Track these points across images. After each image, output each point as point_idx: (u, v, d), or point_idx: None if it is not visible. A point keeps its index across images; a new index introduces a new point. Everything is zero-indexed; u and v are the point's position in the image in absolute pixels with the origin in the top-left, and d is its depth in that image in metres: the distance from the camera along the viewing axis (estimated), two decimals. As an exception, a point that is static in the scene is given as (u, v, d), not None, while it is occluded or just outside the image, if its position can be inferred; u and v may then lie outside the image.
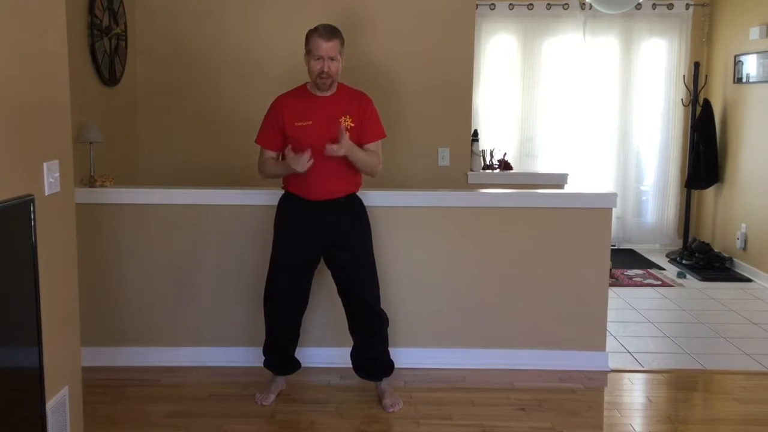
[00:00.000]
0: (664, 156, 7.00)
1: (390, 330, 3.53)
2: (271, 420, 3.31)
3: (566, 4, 6.70)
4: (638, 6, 6.47)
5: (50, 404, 2.48)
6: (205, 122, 4.94)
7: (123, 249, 3.87)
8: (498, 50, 6.82)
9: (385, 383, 3.50)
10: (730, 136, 6.43)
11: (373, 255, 3.44)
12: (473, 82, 5.09)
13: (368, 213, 3.48)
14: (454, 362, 3.87)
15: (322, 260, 3.45)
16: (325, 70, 3.20)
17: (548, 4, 6.71)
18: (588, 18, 6.75)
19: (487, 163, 5.53)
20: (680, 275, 6.07)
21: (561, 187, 5.12)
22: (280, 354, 3.53)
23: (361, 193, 3.47)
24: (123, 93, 4.64)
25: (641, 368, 4.03)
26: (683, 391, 3.79)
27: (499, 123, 6.86)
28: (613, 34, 6.84)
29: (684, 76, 6.79)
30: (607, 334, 4.02)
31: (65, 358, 2.65)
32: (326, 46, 3.19)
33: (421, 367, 3.85)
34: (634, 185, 7.11)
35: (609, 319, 3.98)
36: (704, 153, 6.49)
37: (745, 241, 6.14)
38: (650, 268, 6.34)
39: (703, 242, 6.47)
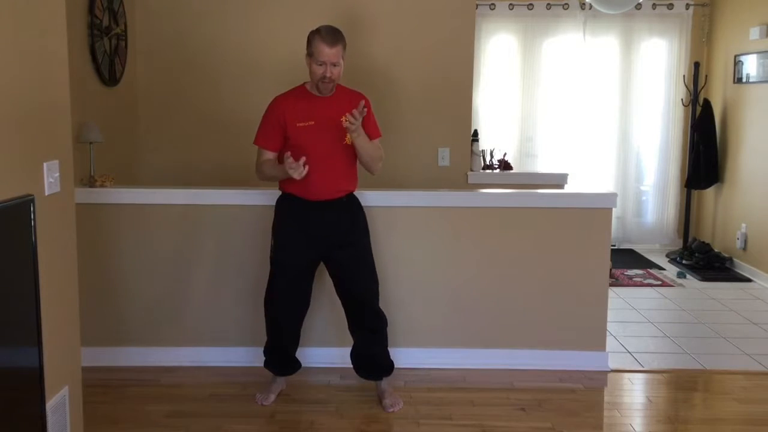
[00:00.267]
0: (664, 156, 7.00)
1: (390, 330, 3.53)
2: (271, 420, 3.31)
3: (566, 4, 6.71)
4: (638, 6, 6.47)
5: (50, 404, 2.48)
6: (205, 122, 4.94)
7: (123, 249, 3.87)
8: (498, 50, 6.82)
9: (385, 383, 3.50)
10: (730, 136, 6.43)
11: (371, 254, 3.44)
12: (473, 82, 5.09)
13: (367, 213, 3.49)
14: (454, 362, 3.87)
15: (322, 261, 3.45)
16: (328, 75, 3.20)
17: (548, 4, 6.71)
18: (588, 18, 6.75)
19: (487, 163, 5.53)
20: (680, 275, 6.07)
21: (561, 187, 5.12)
22: (281, 354, 3.53)
23: (359, 193, 3.47)
24: (123, 93, 4.64)
25: (641, 368, 4.03)
26: (683, 391, 3.79)
27: (499, 123, 6.86)
28: (613, 34, 6.84)
29: (684, 76, 6.79)
30: (607, 334, 4.02)
31: (65, 358, 2.65)
32: (329, 52, 3.17)
33: (421, 367, 3.85)
34: (634, 185, 7.11)
35: (609, 319, 3.98)
36: (704, 153, 6.49)
37: (745, 241, 6.14)
38: (650, 268, 6.34)
39: (703, 242, 6.47)
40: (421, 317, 3.88)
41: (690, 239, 6.72)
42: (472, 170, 5.14)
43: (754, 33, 5.94)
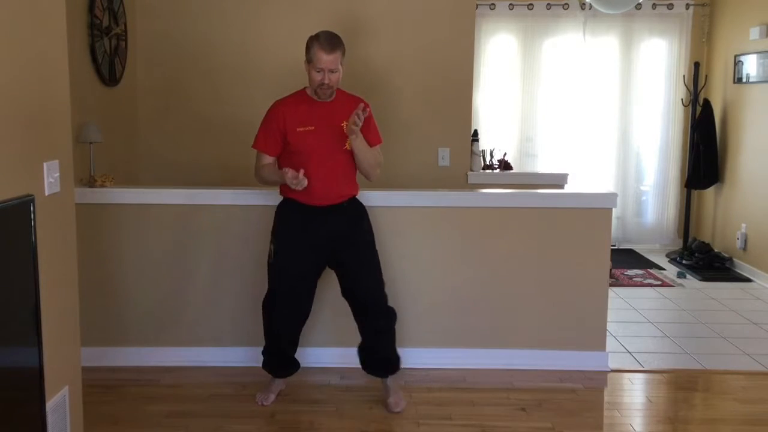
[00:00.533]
0: (664, 156, 7.00)
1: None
2: (271, 420, 3.31)
3: (566, 4, 6.70)
4: (638, 6, 6.46)
5: (50, 404, 2.48)
6: (204, 122, 4.94)
7: (123, 249, 3.87)
8: (498, 50, 6.82)
9: (390, 380, 3.49)
10: (730, 136, 6.43)
11: (376, 255, 3.44)
12: (473, 82, 5.09)
13: (369, 213, 3.49)
14: (454, 362, 3.87)
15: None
16: (326, 81, 3.20)
17: (548, 4, 6.71)
18: (588, 18, 6.75)
19: (487, 163, 5.53)
20: (680, 275, 6.07)
21: (561, 187, 5.12)
22: (279, 357, 3.52)
23: (360, 193, 3.47)
24: (123, 93, 4.64)
25: (641, 368, 4.03)
26: (683, 391, 3.79)
27: (499, 123, 6.86)
28: (613, 34, 6.84)
29: (684, 76, 6.79)
30: (607, 334, 4.02)
31: (65, 358, 2.65)
32: (327, 59, 3.16)
33: (421, 367, 3.85)
34: (634, 185, 7.11)
35: (609, 319, 3.98)
36: (704, 153, 6.49)
37: (745, 241, 6.14)
38: (650, 268, 6.34)
39: (703, 242, 6.47)
40: (421, 317, 3.88)
41: (690, 239, 6.72)
42: (472, 170, 5.14)
43: (754, 33, 5.94)
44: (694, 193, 6.91)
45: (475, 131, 5.31)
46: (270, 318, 3.44)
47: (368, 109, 3.19)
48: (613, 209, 3.94)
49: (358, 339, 3.63)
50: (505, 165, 5.52)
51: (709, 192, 6.76)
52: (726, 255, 6.36)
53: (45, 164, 2.46)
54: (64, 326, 2.65)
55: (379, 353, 3.48)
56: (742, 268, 6.13)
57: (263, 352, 3.53)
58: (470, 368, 3.87)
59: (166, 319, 3.92)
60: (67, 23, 2.61)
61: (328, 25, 4.79)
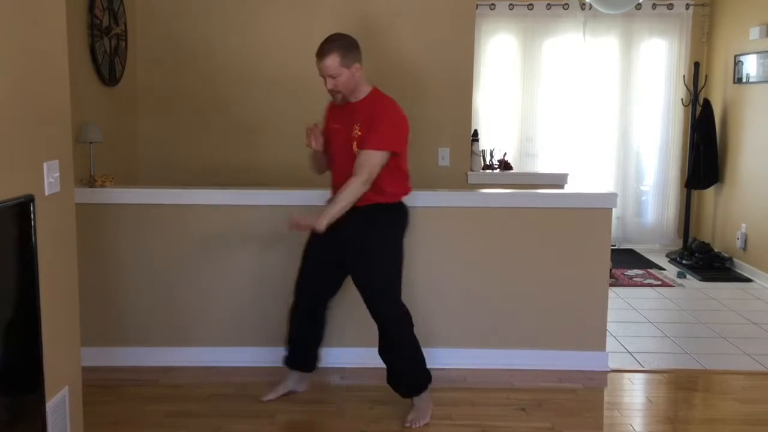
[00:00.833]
0: (664, 156, 7.00)
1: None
2: (271, 420, 3.31)
3: (566, 4, 6.70)
4: (638, 6, 6.47)
5: (50, 404, 2.48)
6: (204, 122, 4.94)
7: (123, 249, 3.87)
8: (498, 50, 6.83)
9: (416, 399, 3.35)
10: (730, 136, 6.43)
11: (383, 265, 3.29)
12: (473, 82, 5.08)
13: None
14: (454, 362, 3.87)
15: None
16: (329, 87, 3.22)
17: (548, 4, 6.71)
18: (588, 18, 6.75)
19: (487, 163, 5.53)
20: (680, 275, 6.07)
21: (561, 187, 5.12)
22: (292, 343, 3.51)
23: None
24: (123, 93, 4.64)
25: (641, 368, 4.03)
26: (683, 391, 3.79)
27: (499, 123, 6.86)
28: (613, 34, 6.84)
29: (684, 76, 6.79)
30: (607, 334, 4.02)
31: (65, 358, 2.65)
32: (321, 66, 3.19)
33: (421, 367, 3.85)
34: (634, 185, 7.11)
35: (609, 319, 3.98)
36: (704, 153, 6.49)
37: (745, 241, 6.14)
38: (650, 268, 6.34)
39: (703, 242, 6.47)
40: (421, 317, 3.87)
41: (690, 239, 6.72)
42: (472, 170, 5.14)
43: (754, 33, 5.94)
44: (694, 193, 6.91)
45: (475, 131, 5.31)
46: (292, 306, 3.49)
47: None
48: (613, 209, 3.94)
49: (360, 339, 3.64)
50: (505, 165, 5.52)
51: (709, 192, 6.76)
52: (726, 255, 6.36)
53: (45, 164, 2.46)
54: (64, 326, 2.65)
55: (392, 366, 3.37)
56: (742, 268, 6.13)
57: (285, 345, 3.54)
58: (470, 368, 3.87)
59: (166, 319, 3.92)
60: (67, 23, 2.61)
61: (327, 25, 4.79)
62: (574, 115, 6.91)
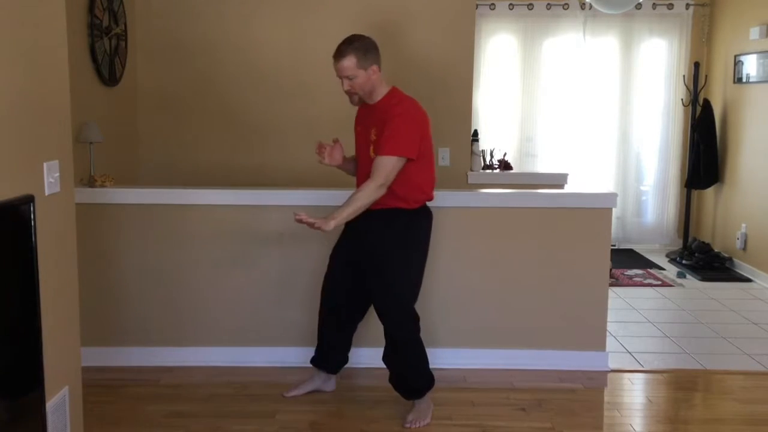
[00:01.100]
0: (664, 156, 7.00)
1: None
2: (272, 420, 3.31)
3: (566, 4, 6.70)
4: (638, 6, 6.47)
5: (50, 404, 2.48)
6: (204, 122, 4.94)
7: (123, 249, 3.87)
8: (498, 50, 6.82)
9: (416, 400, 3.35)
10: (730, 136, 6.43)
11: (396, 272, 3.24)
12: (473, 82, 5.08)
13: None
14: (454, 362, 3.87)
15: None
16: (346, 89, 3.21)
17: (548, 4, 6.71)
18: (588, 18, 6.75)
19: (487, 163, 5.53)
20: (680, 275, 6.07)
21: (561, 187, 5.12)
22: (319, 342, 3.54)
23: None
24: (123, 93, 4.64)
25: (641, 368, 4.03)
26: (683, 391, 3.79)
27: (499, 123, 6.86)
28: (613, 34, 6.84)
29: (684, 76, 6.79)
30: (607, 334, 4.02)
31: (65, 358, 2.65)
32: (338, 67, 3.17)
33: (421, 367, 3.85)
34: (634, 185, 7.11)
35: (609, 319, 3.98)
36: (704, 153, 6.49)
37: (745, 241, 6.14)
38: (650, 268, 6.34)
39: (703, 242, 6.47)
40: (421, 317, 3.87)
41: (690, 239, 6.72)
42: (472, 170, 5.15)
43: (754, 33, 5.94)
44: (694, 193, 6.91)
45: (475, 131, 5.31)
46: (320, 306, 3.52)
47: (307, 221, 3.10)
48: (613, 209, 3.94)
49: (360, 339, 3.64)
50: (505, 165, 5.52)
51: (709, 192, 6.76)
52: (726, 255, 6.36)
53: (45, 164, 2.46)
54: (64, 326, 2.65)
55: (395, 369, 3.37)
56: (742, 268, 6.13)
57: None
58: (470, 368, 3.87)
59: (166, 319, 3.92)
60: (67, 23, 2.61)
61: (327, 26, 4.82)
62: (574, 115, 6.90)
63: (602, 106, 6.92)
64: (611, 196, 3.93)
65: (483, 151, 5.47)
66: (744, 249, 6.16)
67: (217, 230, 3.88)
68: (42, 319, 2.29)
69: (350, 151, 3.49)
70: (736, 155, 6.33)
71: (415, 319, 3.32)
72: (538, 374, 3.83)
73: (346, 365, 3.62)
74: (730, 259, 6.30)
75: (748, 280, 5.92)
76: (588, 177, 6.82)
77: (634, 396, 3.73)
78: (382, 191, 3.13)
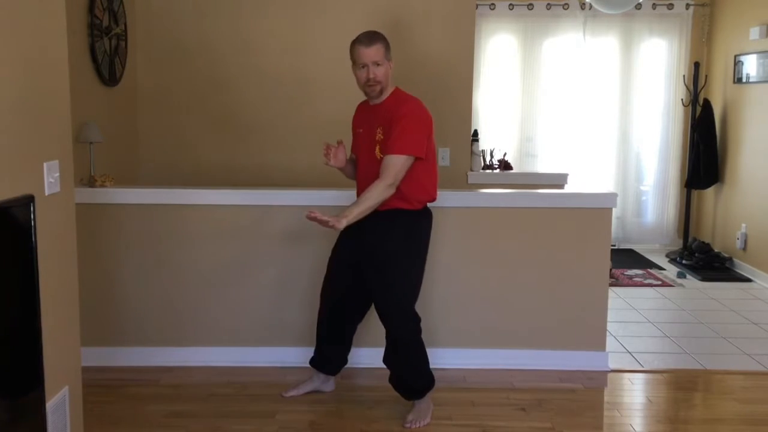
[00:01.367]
0: (664, 156, 7.00)
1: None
2: (271, 420, 3.31)
3: (566, 4, 6.71)
4: (638, 6, 6.47)
5: (50, 404, 2.48)
6: (205, 122, 4.94)
7: (123, 249, 3.87)
8: (498, 50, 6.82)
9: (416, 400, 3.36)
10: (730, 136, 6.43)
11: (395, 270, 3.22)
12: (473, 82, 5.08)
13: None
14: (454, 362, 3.87)
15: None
16: (371, 76, 3.15)
17: (548, 4, 6.71)
18: (588, 18, 6.75)
19: (487, 163, 5.53)
20: (680, 275, 6.07)
21: (561, 187, 5.12)
22: (318, 344, 3.54)
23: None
24: (123, 93, 4.64)
25: (641, 368, 4.03)
26: (683, 391, 3.79)
27: (499, 123, 6.86)
28: (613, 34, 6.84)
29: (684, 76, 6.79)
30: (607, 334, 4.02)
31: (65, 358, 2.65)
32: (367, 52, 3.13)
33: (421, 367, 3.85)
34: (634, 185, 7.11)
35: (609, 319, 3.98)
36: (704, 153, 6.49)
37: (745, 241, 6.14)
38: (650, 268, 6.34)
39: (703, 242, 6.47)
40: (421, 317, 3.88)
41: (690, 239, 6.72)
42: (472, 170, 5.15)
43: (754, 33, 5.94)
44: (694, 193, 6.91)
45: (475, 131, 5.31)
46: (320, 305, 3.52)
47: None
48: (613, 209, 3.94)
49: (360, 339, 3.64)
50: (505, 165, 5.52)
51: (709, 192, 6.76)
52: (726, 255, 6.36)
53: (45, 164, 2.46)
54: (64, 326, 2.65)
55: (395, 369, 3.36)
56: (742, 268, 6.13)
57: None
58: (470, 368, 3.87)
59: (166, 319, 3.92)
60: (67, 23, 2.61)
61: (327, 26, 4.82)
62: (574, 115, 6.91)
63: (602, 106, 6.92)
64: (611, 196, 3.93)
65: (483, 151, 5.47)
66: (744, 249, 6.16)
67: (217, 230, 3.88)
68: (42, 319, 2.29)
69: (348, 152, 3.49)
70: (736, 155, 6.33)
71: (416, 319, 3.32)
72: (538, 374, 3.83)
73: (346, 365, 3.62)
74: (730, 259, 6.30)
75: (748, 280, 5.92)
76: (588, 177, 6.82)
77: (634, 396, 3.73)
78: (392, 190, 3.13)
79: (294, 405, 3.46)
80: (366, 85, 3.19)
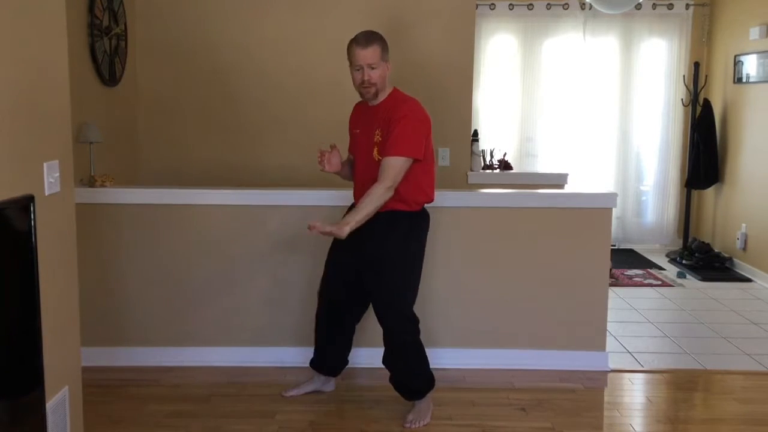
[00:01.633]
0: (664, 156, 7.00)
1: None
2: (271, 420, 3.31)
3: (566, 4, 6.71)
4: (638, 6, 6.47)
5: (50, 404, 2.48)
6: (204, 122, 4.94)
7: (123, 249, 3.87)
8: (498, 50, 6.82)
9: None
10: (730, 136, 6.43)
11: (394, 272, 3.22)
12: (473, 82, 5.08)
13: None
14: (454, 362, 3.87)
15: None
16: (366, 78, 3.12)
17: (548, 4, 6.71)
18: (588, 18, 6.75)
19: (487, 163, 5.53)
20: (680, 275, 6.07)
21: (561, 187, 5.12)
22: (317, 349, 3.54)
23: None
24: (123, 93, 4.64)
25: (641, 368, 4.03)
26: (683, 391, 3.79)
27: (499, 123, 6.86)
28: (613, 34, 6.84)
29: (684, 76, 6.79)
30: (607, 334, 4.02)
31: (65, 358, 2.65)
32: (364, 54, 3.09)
33: (421, 367, 3.85)
34: (634, 185, 7.11)
35: (609, 319, 3.98)
36: (704, 153, 6.50)
37: (745, 241, 6.14)
38: (650, 268, 6.34)
39: (703, 242, 6.47)
40: (421, 317, 3.86)
41: (690, 239, 6.72)
42: (472, 170, 5.15)
43: (754, 33, 5.94)
44: (694, 193, 6.91)
45: (475, 131, 5.31)
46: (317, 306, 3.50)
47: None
48: (613, 209, 3.94)
49: (359, 339, 3.64)
50: (505, 165, 5.52)
51: (709, 192, 6.77)
52: (726, 255, 6.36)
53: (45, 164, 2.46)
54: (64, 326, 2.65)
55: (395, 371, 3.36)
56: (742, 268, 6.13)
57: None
58: (470, 368, 3.87)
59: (166, 319, 3.92)
60: (67, 23, 2.61)
61: (327, 26, 4.82)
62: (574, 115, 6.91)
63: (602, 106, 6.92)
64: (611, 196, 3.93)
65: (483, 151, 5.47)
66: (744, 249, 6.16)
67: (217, 230, 3.88)
68: (42, 319, 2.29)
69: (344, 154, 3.48)
70: (736, 155, 6.33)
71: (415, 321, 3.32)
72: (538, 374, 3.83)
73: (346, 365, 3.62)
74: (730, 259, 6.30)
75: (748, 280, 5.92)
76: (588, 177, 6.82)
77: (634, 396, 3.73)
78: (391, 193, 3.12)
79: (294, 405, 3.46)
80: (361, 87, 3.17)
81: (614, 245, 6.78)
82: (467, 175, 5.07)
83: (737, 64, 6.25)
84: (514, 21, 6.77)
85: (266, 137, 4.94)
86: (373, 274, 3.25)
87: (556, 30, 6.80)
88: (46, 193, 2.46)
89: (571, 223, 3.86)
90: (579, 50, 6.81)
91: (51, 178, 2.49)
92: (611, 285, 4.51)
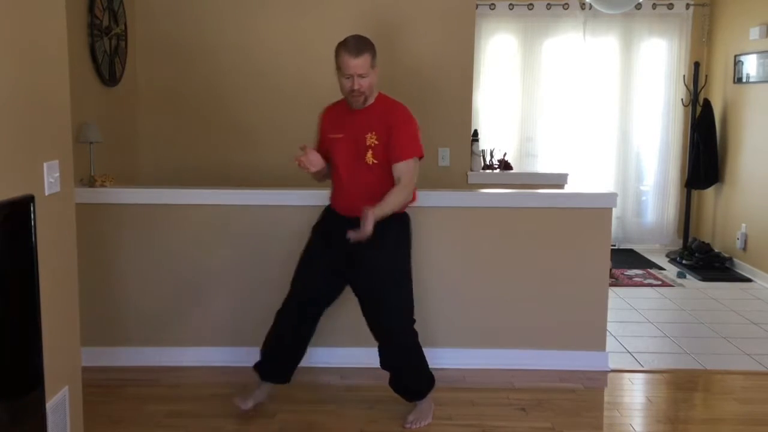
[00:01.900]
0: (664, 156, 7.00)
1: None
2: (271, 420, 3.31)
3: (566, 4, 6.71)
4: (638, 6, 6.47)
5: (50, 404, 2.48)
6: (204, 122, 4.94)
7: (123, 249, 3.87)
8: (498, 50, 6.82)
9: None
10: (730, 136, 6.43)
11: (395, 282, 3.23)
12: (473, 82, 5.08)
13: None
14: (453, 362, 3.87)
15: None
16: (356, 87, 3.11)
17: (548, 4, 6.71)
18: (588, 18, 6.75)
19: (487, 163, 5.53)
20: (680, 275, 6.07)
21: (561, 187, 5.12)
22: (271, 353, 3.40)
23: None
24: (123, 93, 4.64)
25: (641, 368, 4.03)
26: (683, 391, 3.79)
27: (499, 123, 6.86)
28: (613, 34, 6.84)
29: (684, 76, 6.79)
30: (607, 334, 4.02)
31: (65, 358, 2.65)
32: (355, 63, 3.07)
33: (421, 367, 3.85)
34: (634, 185, 7.11)
35: (609, 319, 3.98)
36: (704, 153, 6.50)
37: (745, 241, 6.14)
38: (650, 268, 6.34)
39: (703, 242, 6.47)
40: (421, 317, 3.86)
41: (690, 239, 6.72)
42: (472, 170, 5.14)
43: (754, 33, 5.94)
44: (694, 193, 6.91)
45: (475, 131, 5.31)
46: (280, 308, 3.37)
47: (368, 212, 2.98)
48: (613, 209, 3.94)
49: (359, 339, 3.63)
50: (505, 165, 5.52)
51: (709, 192, 6.76)
52: (726, 255, 6.36)
53: (45, 164, 2.46)
54: (64, 326, 2.65)
55: (396, 373, 3.34)
56: (742, 268, 6.13)
57: (261, 350, 3.42)
58: (470, 368, 3.87)
59: (166, 319, 3.92)
60: (67, 23, 2.61)
61: (326, 26, 4.81)
62: (574, 115, 6.91)
63: (602, 106, 6.92)
64: (611, 196, 3.93)
65: (483, 151, 5.47)
66: (744, 249, 6.16)
67: (216, 230, 3.88)
68: (42, 319, 2.29)
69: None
70: (736, 155, 6.33)
71: (413, 321, 3.33)
72: (538, 374, 3.83)
73: (348, 366, 3.61)
74: (730, 259, 6.30)
75: (748, 280, 5.92)
76: (588, 177, 6.82)
77: (634, 396, 3.73)
78: (411, 196, 3.22)
79: (294, 405, 3.46)
80: (350, 95, 3.16)
81: (614, 245, 6.78)
82: (467, 175, 5.07)
83: (737, 64, 6.25)
84: (514, 21, 6.77)
85: (266, 137, 4.94)
86: (374, 288, 3.23)
87: (556, 30, 6.80)
88: (46, 193, 2.46)
89: (571, 223, 3.86)
90: (579, 50, 6.81)
91: (51, 178, 2.49)
92: (611, 285, 4.51)
